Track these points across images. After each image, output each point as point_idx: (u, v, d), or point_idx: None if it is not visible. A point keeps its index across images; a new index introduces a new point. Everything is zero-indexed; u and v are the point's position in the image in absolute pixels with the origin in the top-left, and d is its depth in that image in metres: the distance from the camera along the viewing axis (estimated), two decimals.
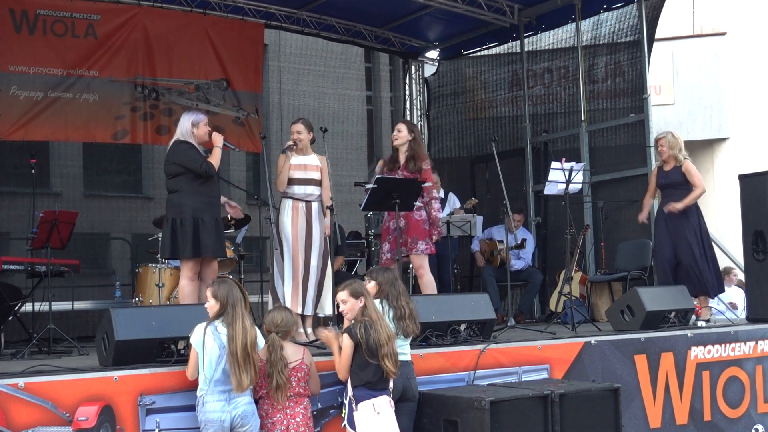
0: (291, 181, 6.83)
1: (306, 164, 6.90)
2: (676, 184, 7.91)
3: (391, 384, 5.24)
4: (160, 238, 8.27)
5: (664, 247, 7.95)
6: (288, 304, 6.56)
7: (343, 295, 5.28)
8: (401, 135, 7.39)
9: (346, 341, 5.17)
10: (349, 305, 5.24)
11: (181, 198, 6.44)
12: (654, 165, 9.25)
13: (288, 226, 6.78)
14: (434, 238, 7.30)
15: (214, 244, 6.47)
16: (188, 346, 5.01)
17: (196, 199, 6.43)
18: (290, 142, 6.94)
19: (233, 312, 4.91)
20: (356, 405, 5.15)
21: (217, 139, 6.61)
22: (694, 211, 7.91)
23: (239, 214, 7.19)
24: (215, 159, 6.53)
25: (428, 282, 7.25)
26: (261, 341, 5.04)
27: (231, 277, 8.21)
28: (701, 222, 7.92)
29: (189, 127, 6.57)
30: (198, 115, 6.70)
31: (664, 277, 7.95)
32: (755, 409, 7.43)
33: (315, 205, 6.89)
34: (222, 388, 4.85)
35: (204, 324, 4.93)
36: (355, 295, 5.23)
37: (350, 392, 5.21)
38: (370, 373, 5.13)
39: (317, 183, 6.94)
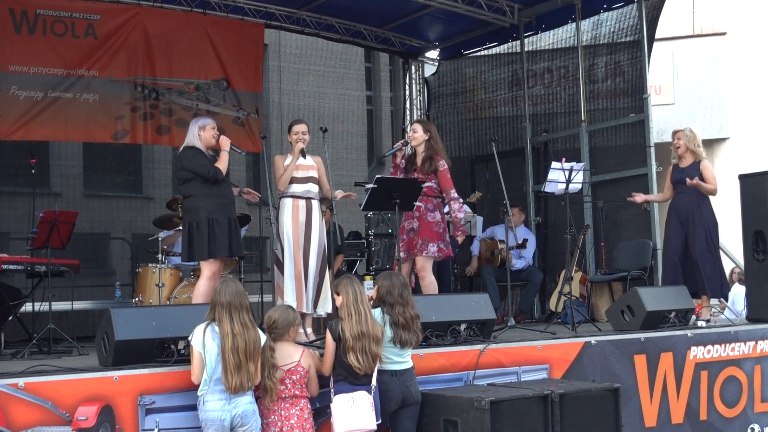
0: (291, 180, 6.84)
1: (301, 164, 6.91)
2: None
3: (373, 381, 5.25)
4: (160, 238, 8.32)
5: (674, 241, 7.91)
6: (291, 304, 6.57)
7: (333, 292, 5.49)
8: (416, 135, 7.34)
9: (328, 337, 5.30)
10: (337, 301, 5.42)
11: (195, 202, 6.56)
12: (654, 164, 9.28)
13: (288, 225, 6.79)
14: (459, 239, 7.30)
15: (229, 243, 6.57)
16: (188, 347, 5.01)
17: (209, 201, 6.54)
18: (301, 145, 6.90)
19: (221, 312, 4.89)
20: (334, 397, 5.23)
21: (225, 143, 6.69)
22: (709, 209, 7.90)
23: (255, 198, 7.18)
24: (222, 163, 6.61)
25: (429, 284, 7.25)
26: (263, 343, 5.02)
27: (223, 275, 8.23)
28: (714, 222, 7.91)
29: (196, 132, 6.69)
30: (205, 120, 6.81)
31: (673, 273, 7.93)
32: (752, 409, 7.43)
33: (315, 203, 6.91)
34: (222, 387, 4.86)
35: (203, 324, 4.94)
36: (336, 292, 5.40)
37: (332, 386, 5.29)
38: (348, 368, 5.21)
39: (315, 181, 6.97)
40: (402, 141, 7.69)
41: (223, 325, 4.86)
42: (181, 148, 6.76)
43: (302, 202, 6.81)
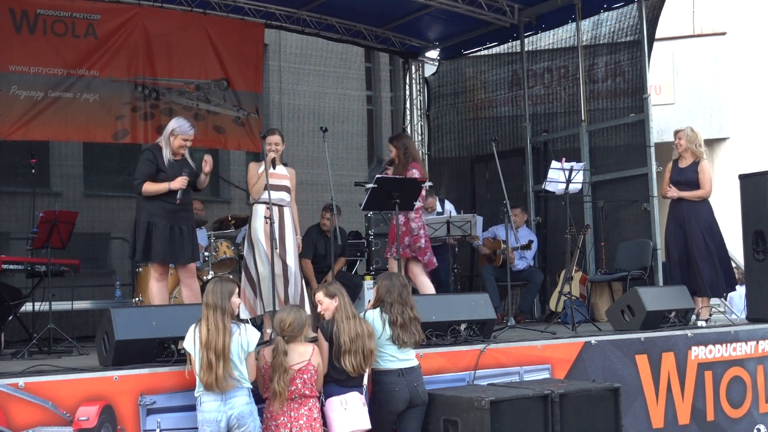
0: (264, 187, 6.80)
1: (276, 172, 6.90)
2: (692, 181, 7.90)
3: (365, 381, 5.30)
4: None
5: (674, 241, 7.94)
6: (268, 304, 6.64)
7: (319, 296, 5.48)
8: (392, 154, 7.51)
9: (321, 338, 5.32)
10: (325, 305, 5.44)
11: (140, 200, 6.56)
12: (654, 164, 9.28)
13: (261, 231, 6.77)
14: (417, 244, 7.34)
15: (165, 250, 6.46)
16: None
17: (152, 204, 6.49)
18: (273, 155, 6.87)
19: (205, 311, 4.93)
20: (325, 400, 5.25)
21: (176, 183, 6.44)
22: (706, 209, 7.91)
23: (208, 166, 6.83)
24: (154, 187, 6.44)
25: (421, 284, 7.32)
26: (249, 344, 4.99)
27: (223, 275, 8.26)
28: (712, 221, 7.91)
29: (168, 133, 6.58)
30: (183, 127, 6.61)
31: (675, 272, 7.93)
32: (757, 409, 7.44)
33: (286, 210, 6.91)
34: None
35: (194, 325, 4.97)
36: (330, 295, 5.42)
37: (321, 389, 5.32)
38: (339, 370, 5.24)
39: (288, 189, 6.97)
40: (388, 160, 7.82)
41: (202, 323, 4.90)
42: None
43: (274, 209, 6.77)
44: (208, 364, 4.80)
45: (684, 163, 7.99)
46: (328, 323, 5.34)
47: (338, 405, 5.24)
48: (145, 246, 6.44)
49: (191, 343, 4.91)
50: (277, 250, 6.61)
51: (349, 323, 5.29)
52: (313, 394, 5.15)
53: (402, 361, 5.49)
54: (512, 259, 9.18)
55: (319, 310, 5.45)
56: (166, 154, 6.57)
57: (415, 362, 5.58)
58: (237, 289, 5.11)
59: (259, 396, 5.20)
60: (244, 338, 4.97)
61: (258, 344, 5.26)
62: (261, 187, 6.81)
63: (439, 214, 9.51)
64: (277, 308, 6.56)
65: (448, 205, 9.77)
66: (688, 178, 7.90)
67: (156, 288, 6.61)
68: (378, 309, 5.54)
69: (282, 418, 5.04)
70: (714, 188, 8.07)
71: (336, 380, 5.27)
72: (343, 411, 5.23)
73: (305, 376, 5.10)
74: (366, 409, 5.30)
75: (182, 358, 5.21)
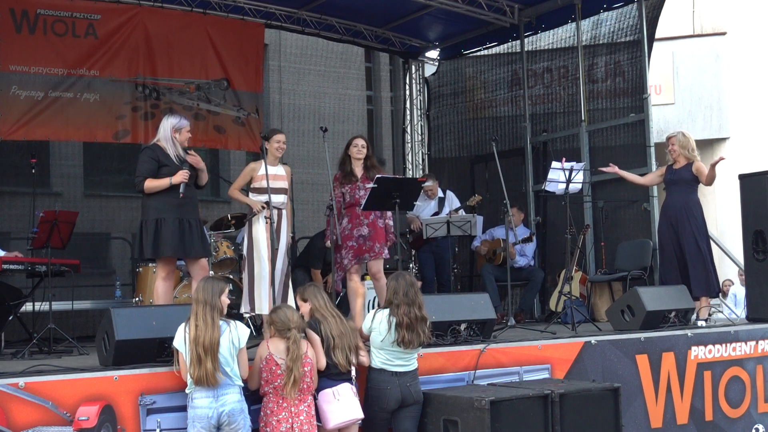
0: (265, 190, 6.79)
1: (277, 174, 6.94)
2: (684, 181, 7.92)
3: (353, 372, 5.39)
4: None
5: (667, 242, 7.96)
6: (266, 306, 6.69)
7: (297, 299, 5.67)
8: (365, 150, 7.44)
9: (311, 333, 5.37)
10: (303, 308, 5.57)
11: (145, 199, 6.54)
12: (654, 164, 9.30)
13: (262, 232, 6.82)
14: (388, 244, 7.32)
15: (176, 244, 6.44)
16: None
17: (158, 199, 6.46)
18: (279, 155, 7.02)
19: (195, 308, 4.96)
20: (317, 394, 5.31)
21: (177, 177, 6.43)
22: (698, 210, 7.92)
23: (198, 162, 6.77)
24: (155, 182, 6.44)
25: (384, 285, 7.33)
26: (240, 340, 5.02)
27: (222, 274, 8.26)
28: (703, 222, 7.92)
29: (170, 132, 6.55)
30: (182, 121, 6.65)
31: (670, 271, 7.94)
32: (756, 409, 7.44)
33: (283, 212, 6.98)
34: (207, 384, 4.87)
35: (183, 324, 4.99)
36: (303, 299, 5.58)
37: None
38: (329, 365, 5.34)
39: (285, 192, 7.03)
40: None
41: (191, 320, 4.93)
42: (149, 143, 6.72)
43: (273, 212, 6.78)
44: (197, 358, 4.83)
45: (678, 166, 8.03)
46: (315, 321, 5.43)
47: (331, 397, 5.32)
48: (155, 242, 6.41)
49: (181, 340, 4.94)
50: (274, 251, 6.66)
51: (332, 321, 5.42)
52: (310, 389, 5.21)
53: (399, 366, 5.53)
54: (513, 254, 9.19)
55: (301, 311, 5.56)
56: (175, 151, 6.56)
57: (413, 366, 5.61)
58: (227, 289, 5.12)
59: (255, 396, 5.22)
60: (235, 335, 4.99)
61: (256, 344, 5.28)
62: (261, 188, 6.84)
63: (440, 199, 9.53)
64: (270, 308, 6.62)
65: (450, 193, 9.77)
66: (683, 177, 7.93)
67: (162, 288, 6.59)
68: (387, 310, 5.57)
69: (283, 414, 5.07)
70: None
71: (327, 375, 5.35)
72: (336, 402, 5.31)
73: (305, 369, 5.15)
74: (357, 399, 5.39)
75: None
